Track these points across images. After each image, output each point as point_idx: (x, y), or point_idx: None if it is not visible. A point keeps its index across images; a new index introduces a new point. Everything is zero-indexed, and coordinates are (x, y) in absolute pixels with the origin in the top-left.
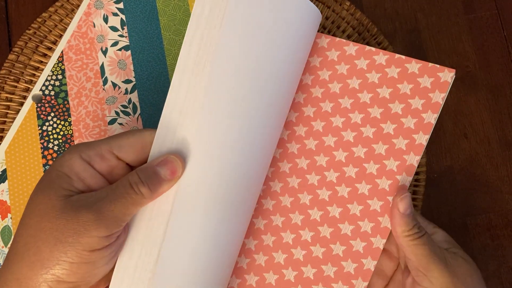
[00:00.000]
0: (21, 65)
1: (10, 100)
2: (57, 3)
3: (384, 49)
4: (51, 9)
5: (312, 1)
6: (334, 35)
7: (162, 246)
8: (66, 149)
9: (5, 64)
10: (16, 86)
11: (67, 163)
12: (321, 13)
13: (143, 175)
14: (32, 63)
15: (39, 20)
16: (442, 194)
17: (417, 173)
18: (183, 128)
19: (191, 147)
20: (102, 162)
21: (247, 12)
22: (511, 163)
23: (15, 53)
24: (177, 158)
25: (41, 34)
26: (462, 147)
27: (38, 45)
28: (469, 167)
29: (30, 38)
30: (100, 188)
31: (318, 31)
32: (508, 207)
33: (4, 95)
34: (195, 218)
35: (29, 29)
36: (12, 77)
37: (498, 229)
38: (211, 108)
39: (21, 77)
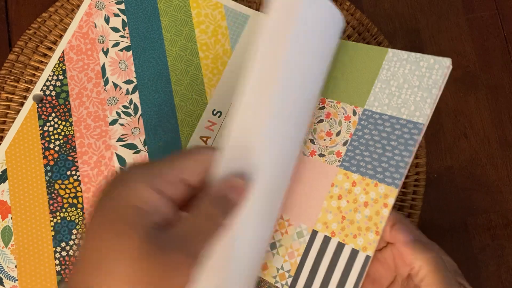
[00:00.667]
0: (21, 65)
1: (10, 100)
2: (57, 3)
3: None
4: (51, 9)
5: None
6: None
7: (230, 264)
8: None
9: (5, 64)
10: (16, 86)
11: (140, 196)
12: None
13: (222, 206)
14: (32, 63)
15: (39, 20)
16: (442, 194)
17: (417, 173)
18: (247, 147)
19: (256, 168)
20: (173, 189)
21: (305, 28)
22: (511, 163)
23: (15, 53)
24: (244, 182)
25: (41, 34)
26: (462, 147)
27: (38, 45)
28: (469, 167)
29: (30, 38)
30: (174, 217)
31: None
32: (508, 207)
33: (4, 95)
34: (249, 233)
35: (29, 29)
36: (12, 77)
37: (498, 229)
38: (272, 125)
39: (21, 77)
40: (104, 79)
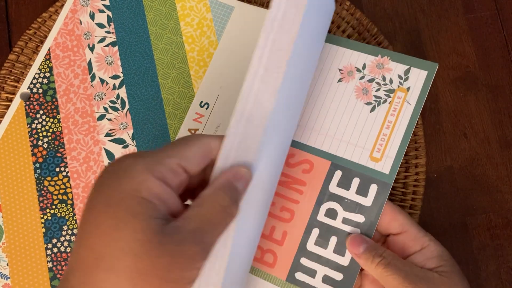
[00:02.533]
0: (21, 65)
1: (10, 100)
2: (57, 3)
3: (384, 49)
4: (51, 9)
5: None
6: (334, 35)
7: (228, 258)
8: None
9: (5, 64)
10: (16, 86)
11: (144, 185)
12: None
13: (231, 195)
14: (32, 63)
15: (39, 20)
16: (442, 194)
17: (417, 173)
18: (248, 136)
19: (256, 156)
20: (175, 178)
21: (311, 17)
22: (511, 163)
23: (16, 53)
24: (248, 171)
25: (42, 34)
26: (462, 147)
27: (39, 45)
28: (469, 167)
29: (30, 38)
30: (177, 207)
31: None
32: (508, 207)
33: (4, 95)
34: (248, 222)
35: (29, 29)
36: (12, 77)
37: (498, 229)
38: (273, 116)
39: (21, 77)
40: (90, 75)
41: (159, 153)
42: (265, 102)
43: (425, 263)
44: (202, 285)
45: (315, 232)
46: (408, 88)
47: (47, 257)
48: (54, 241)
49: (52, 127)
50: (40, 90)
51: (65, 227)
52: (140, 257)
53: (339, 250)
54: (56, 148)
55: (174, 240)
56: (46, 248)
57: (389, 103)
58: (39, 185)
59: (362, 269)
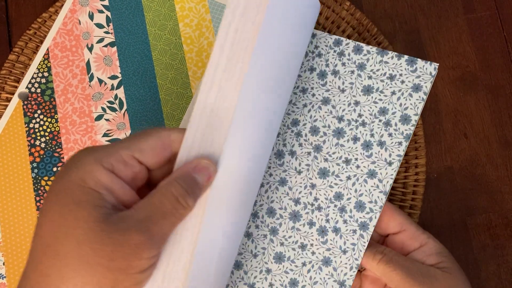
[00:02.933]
0: (21, 65)
1: (9, 100)
2: (57, 3)
3: (384, 49)
4: (51, 9)
5: None
6: (334, 35)
7: (195, 253)
8: (54, 149)
9: (5, 64)
10: (16, 87)
11: (90, 175)
12: (321, 13)
13: (187, 186)
14: (32, 63)
15: (39, 20)
16: (442, 194)
17: (417, 173)
18: (213, 128)
19: (224, 149)
20: (126, 169)
21: (277, 5)
22: (511, 163)
23: (16, 53)
24: (211, 163)
25: (42, 35)
26: (462, 147)
27: (39, 45)
28: (469, 167)
29: (30, 39)
30: (129, 198)
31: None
32: (508, 207)
33: (4, 95)
34: (219, 218)
35: (30, 29)
36: (12, 77)
37: (498, 229)
38: (241, 108)
39: (21, 78)
40: (89, 75)
41: (113, 145)
42: (230, 93)
43: (425, 260)
44: (166, 279)
45: None
46: None
47: None
48: None
49: (50, 127)
50: (38, 90)
51: None
52: (82, 244)
53: None
54: (54, 148)
55: (119, 229)
56: None
57: None
58: (36, 185)
59: (360, 270)
